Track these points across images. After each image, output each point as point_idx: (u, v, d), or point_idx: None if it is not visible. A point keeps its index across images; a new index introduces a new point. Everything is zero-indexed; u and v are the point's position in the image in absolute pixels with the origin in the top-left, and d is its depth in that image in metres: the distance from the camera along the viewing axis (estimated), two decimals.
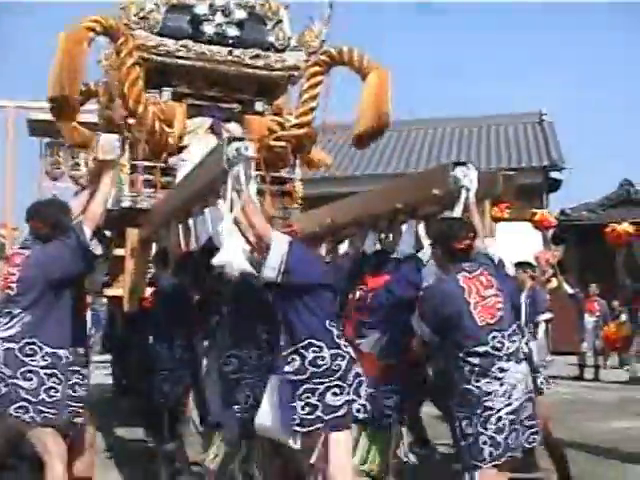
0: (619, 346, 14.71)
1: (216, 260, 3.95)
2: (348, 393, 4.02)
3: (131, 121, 7.25)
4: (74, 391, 4.52)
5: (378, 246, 5.33)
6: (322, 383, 3.98)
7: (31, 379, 4.29)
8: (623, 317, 15.01)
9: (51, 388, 4.34)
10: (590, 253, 17.55)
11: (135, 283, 6.66)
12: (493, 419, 3.90)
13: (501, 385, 3.94)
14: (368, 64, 7.13)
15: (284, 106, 8.11)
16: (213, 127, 7.66)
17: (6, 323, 4.35)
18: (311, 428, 3.94)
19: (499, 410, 3.91)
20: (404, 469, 4.92)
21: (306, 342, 4.02)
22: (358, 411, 4.11)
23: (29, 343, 4.32)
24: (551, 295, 8.59)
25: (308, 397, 3.96)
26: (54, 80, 6.37)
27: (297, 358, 4.03)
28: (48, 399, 4.31)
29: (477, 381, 3.94)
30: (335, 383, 4.00)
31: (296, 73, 7.85)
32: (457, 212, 4.43)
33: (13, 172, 13.03)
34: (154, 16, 7.44)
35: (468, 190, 4.44)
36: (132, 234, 6.89)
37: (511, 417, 3.93)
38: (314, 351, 4.01)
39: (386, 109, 6.75)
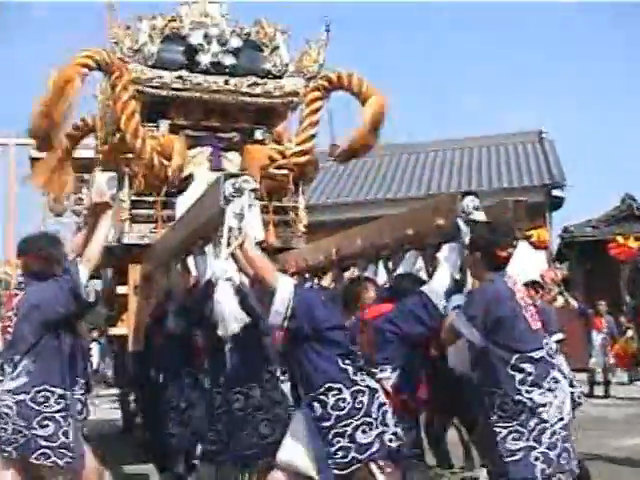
0: (628, 362, 14.54)
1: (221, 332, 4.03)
2: (377, 427, 3.93)
3: (130, 156, 7.16)
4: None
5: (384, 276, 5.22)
6: (349, 424, 3.90)
7: (47, 425, 4.21)
8: (629, 333, 14.89)
9: (68, 430, 4.27)
10: (594, 269, 17.45)
11: (140, 321, 6.53)
12: (548, 433, 3.71)
13: (555, 397, 3.77)
14: (368, 89, 7.04)
15: (284, 133, 7.99)
16: (212, 157, 7.52)
17: (11, 372, 4.25)
18: (350, 470, 3.87)
19: (553, 424, 3.73)
20: None
21: (324, 388, 3.94)
22: (390, 441, 3.99)
23: (39, 391, 4.23)
24: (558, 313, 8.48)
25: (339, 441, 3.90)
26: (39, 114, 6.24)
27: (318, 405, 3.96)
28: (66, 440, 4.24)
29: (529, 392, 3.75)
30: (362, 420, 3.91)
31: (295, 99, 7.70)
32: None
33: (16, 209, 13.05)
34: (148, 48, 7.31)
35: (475, 223, 4.28)
36: (134, 271, 6.79)
37: (564, 433, 3.75)
38: (334, 395, 3.93)
39: (377, 132, 6.71)
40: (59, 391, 4.25)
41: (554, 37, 60.44)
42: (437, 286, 4.39)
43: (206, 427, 5.10)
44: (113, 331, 7.70)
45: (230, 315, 3.95)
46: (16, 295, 4.39)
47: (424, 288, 4.47)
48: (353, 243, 5.47)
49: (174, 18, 7.67)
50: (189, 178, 7.34)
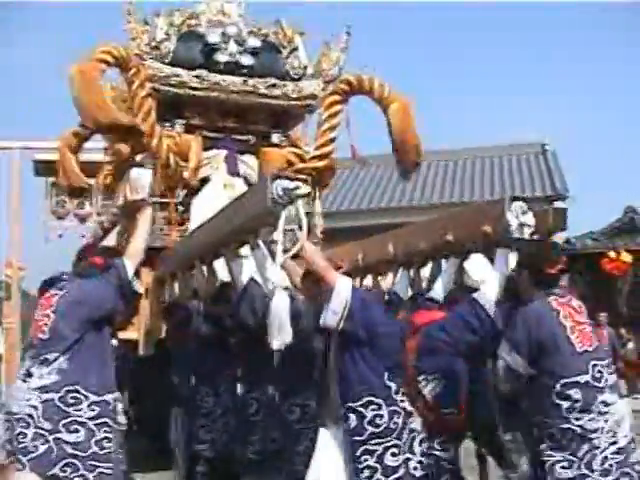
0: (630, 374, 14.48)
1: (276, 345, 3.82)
2: (404, 452, 3.78)
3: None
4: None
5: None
6: (380, 444, 3.74)
7: (77, 431, 3.83)
8: (630, 345, 14.80)
9: (104, 439, 3.90)
10: (596, 281, 17.32)
11: (151, 325, 6.32)
12: (598, 460, 3.47)
13: (606, 421, 3.52)
14: (389, 94, 6.80)
15: (301, 137, 7.81)
16: (227, 160, 7.33)
17: (40, 372, 3.90)
18: None
19: (604, 449, 3.49)
20: None
21: (365, 400, 3.77)
22: (415, 469, 3.82)
23: (71, 391, 3.87)
24: None
25: (367, 459, 3.73)
26: (89, 110, 5.95)
27: (354, 417, 3.78)
28: (100, 451, 3.86)
29: (578, 419, 3.52)
30: (393, 442, 3.76)
31: (313, 102, 7.53)
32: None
33: (19, 212, 12.93)
34: (166, 45, 7.14)
35: (529, 228, 4.10)
36: (146, 274, 6.57)
37: (618, 458, 3.50)
38: (373, 409, 3.77)
39: (415, 141, 6.43)
40: (94, 397, 3.91)
41: (559, 50, 60.66)
42: (489, 293, 4.19)
43: (244, 435, 4.91)
44: (122, 335, 7.47)
45: (285, 326, 3.73)
46: (55, 295, 4.09)
47: (475, 295, 4.27)
48: (383, 249, 5.25)
49: (192, 15, 7.50)
50: (204, 180, 7.16)
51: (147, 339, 6.37)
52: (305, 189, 3.68)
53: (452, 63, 61.97)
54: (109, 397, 3.99)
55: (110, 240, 4.60)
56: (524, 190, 18.91)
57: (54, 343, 3.93)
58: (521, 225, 4.08)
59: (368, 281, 5.79)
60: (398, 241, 5.18)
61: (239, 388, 5.19)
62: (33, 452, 3.79)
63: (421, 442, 3.96)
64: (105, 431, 3.91)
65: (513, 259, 4.31)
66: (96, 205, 14.95)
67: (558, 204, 18.99)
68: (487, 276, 4.23)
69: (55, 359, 3.90)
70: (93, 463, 3.82)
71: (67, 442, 3.80)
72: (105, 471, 3.85)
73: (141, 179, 4.42)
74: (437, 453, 4.31)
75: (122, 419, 4.24)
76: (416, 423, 3.92)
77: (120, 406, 4.13)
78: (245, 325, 4.54)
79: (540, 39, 59.46)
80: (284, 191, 3.61)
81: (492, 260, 4.56)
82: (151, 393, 7.00)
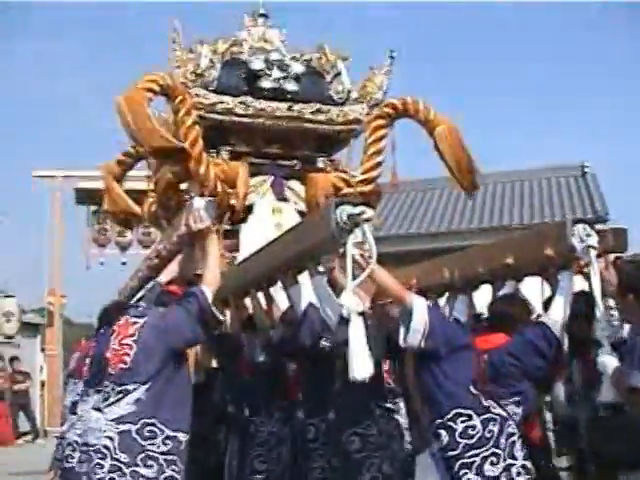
0: None
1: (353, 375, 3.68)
2: (504, 459, 3.68)
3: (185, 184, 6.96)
4: None
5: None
6: (478, 454, 3.65)
7: (151, 466, 3.73)
8: None
9: (171, 478, 3.80)
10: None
11: (201, 354, 6.26)
12: None
13: None
14: (435, 117, 6.75)
15: (344, 162, 7.77)
16: (274, 186, 7.30)
17: (116, 402, 3.80)
18: None
19: None
20: None
21: (452, 413, 3.71)
22: (519, 474, 3.72)
23: (148, 424, 3.78)
24: None
25: (466, 473, 3.64)
26: (142, 134, 5.97)
27: (445, 433, 3.71)
28: None
29: None
30: (491, 451, 3.67)
31: (358, 127, 7.48)
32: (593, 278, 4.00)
33: (60, 240, 13.08)
34: (210, 73, 7.15)
35: (595, 250, 4.01)
36: None
37: None
38: (463, 421, 3.70)
39: (469, 160, 6.37)
40: (168, 432, 3.81)
41: (599, 69, 60.34)
42: (557, 316, 4.10)
43: (308, 463, 4.84)
44: None
45: (365, 355, 3.65)
46: (135, 323, 4.03)
47: (544, 319, 4.18)
48: (438, 273, 5.15)
49: (235, 42, 7.53)
50: (251, 207, 7.13)
51: (197, 368, 6.30)
52: (370, 213, 3.64)
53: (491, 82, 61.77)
54: (181, 436, 3.88)
55: (169, 269, 4.52)
56: (564, 212, 18.70)
57: (136, 373, 3.85)
58: (587, 247, 4.00)
59: None
60: (454, 265, 5.09)
61: (298, 414, 5.11)
62: None
63: (522, 447, 3.87)
64: (173, 469, 3.81)
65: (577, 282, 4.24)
66: (137, 233, 15.17)
67: (599, 227, 18.75)
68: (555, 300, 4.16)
69: (135, 390, 3.81)
70: None
71: (143, 476, 3.72)
72: None
73: (204, 208, 4.38)
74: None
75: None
76: (513, 427, 3.83)
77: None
78: (305, 350, 4.49)
79: (585, 55, 59.16)
80: (349, 217, 3.57)
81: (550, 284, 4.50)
82: (201, 423, 6.94)
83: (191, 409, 4.04)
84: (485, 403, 3.78)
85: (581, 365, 5.12)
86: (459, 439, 3.68)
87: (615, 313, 4.16)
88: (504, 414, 3.82)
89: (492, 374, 4.15)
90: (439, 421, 3.75)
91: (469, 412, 3.72)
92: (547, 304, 4.40)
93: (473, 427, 3.69)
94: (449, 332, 3.90)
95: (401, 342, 3.80)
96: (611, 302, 4.16)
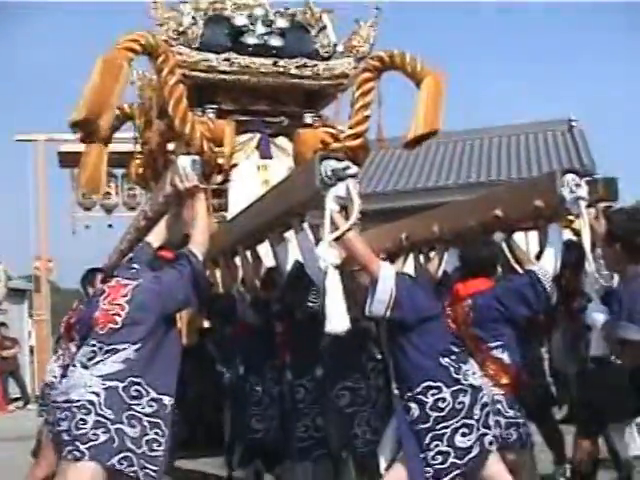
0: None
1: (328, 328, 3.62)
2: (478, 429, 3.67)
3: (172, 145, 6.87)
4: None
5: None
6: (448, 426, 3.64)
7: (134, 426, 3.67)
8: None
9: (154, 441, 3.73)
10: None
11: (193, 315, 6.23)
12: None
13: None
14: (422, 69, 6.66)
15: (332, 117, 7.68)
16: (261, 144, 7.22)
17: (104, 360, 3.74)
18: (449, 477, 3.61)
19: None
20: None
21: (422, 387, 3.68)
22: (491, 443, 3.74)
23: (135, 383, 3.72)
24: None
25: (437, 445, 3.63)
26: (91, 103, 5.89)
27: (415, 406, 3.70)
28: (149, 453, 3.69)
29: None
30: (462, 422, 3.65)
31: (345, 81, 7.38)
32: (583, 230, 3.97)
33: (45, 205, 12.94)
34: (193, 30, 7.01)
35: (585, 201, 3.98)
36: None
37: None
38: (433, 394, 3.68)
39: (439, 115, 6.33)
40: (153, 394, 3.76)
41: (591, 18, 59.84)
42: (547, 267, 4.09)
43: (293, 423, 4.85)
44: None
45: (341, 309, 3.60)
46: (127, 284, 3.96)
47: (534, 268, 4.16)
48: (428, 228, 5.12)
49: None
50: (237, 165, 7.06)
51: (190, 328, 6.27)
52: (354, 169, 3.58)
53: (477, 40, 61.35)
54: (167, 399, 3.83)
55: (157, 229, 4.43)
56: (551, 168, 18.64)
57: (126, 333, 3.79)
58: (577, 199, 3.97)
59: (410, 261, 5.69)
60: (443, 220, 5.06)
61: (287, 375, 5.10)
62: (93, 440, 3.59)
63: (497, 413, 3.92)
64: (156, 433, 3.75)
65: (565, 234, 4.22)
66: (122, 195, 15.03)
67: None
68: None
69: (124, 349, 3.76)
70: (143, 462, 3.67)
71: (127, 435, 3.65)
72: (151, 473, 3.69)
73: (190, 165, 4.29)
74: (520, 420, 4.22)
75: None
76: (488, 396, 3.83)
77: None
78: (292, 309, 4.46)
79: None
80: (333, 171, 3.52)
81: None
82: (194, 381, 6.94)
83: (185, 370, 4.04)
84: (455, 375, 3.73)
85: (568, 317, 5.15)
86: (429, 412, 3.67)
87: (602, 261, 4.14)
88: (476, 384, 3.78)
89: (477, 318, 4.16)
90: (409, 394, 3.74)
91: (439, 384, 3.69)
92: (538, 258, 4.39)
93: (443, 399, 3.67)
94: (418, 302, 3.80)
95: (366, 311, 3.75)
96: (599, 252, 4.14)
